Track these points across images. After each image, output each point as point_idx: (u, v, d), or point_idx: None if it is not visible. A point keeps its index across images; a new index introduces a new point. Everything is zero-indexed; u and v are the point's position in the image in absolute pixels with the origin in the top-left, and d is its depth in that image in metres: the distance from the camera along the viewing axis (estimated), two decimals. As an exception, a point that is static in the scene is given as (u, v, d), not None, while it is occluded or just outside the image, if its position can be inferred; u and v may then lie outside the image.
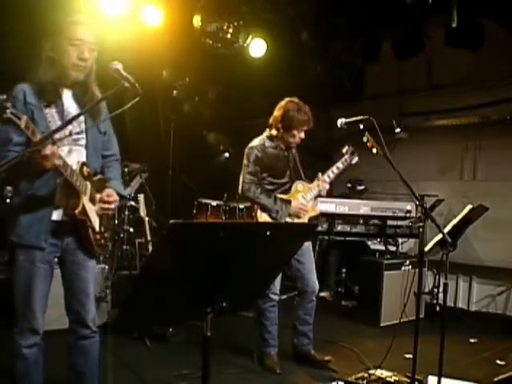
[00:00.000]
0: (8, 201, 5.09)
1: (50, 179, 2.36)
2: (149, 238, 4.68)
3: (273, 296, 3.87)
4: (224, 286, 1.74)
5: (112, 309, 4.58)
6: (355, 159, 3.90)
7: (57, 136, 2.32)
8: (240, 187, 3.82)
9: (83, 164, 2.45)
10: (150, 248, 4.64)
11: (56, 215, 2.42)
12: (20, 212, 2.40)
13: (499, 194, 5.80)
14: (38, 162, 2.17)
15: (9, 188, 5.12)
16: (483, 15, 5.17)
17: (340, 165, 3.89)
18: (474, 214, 4.07)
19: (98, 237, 2.54)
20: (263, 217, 3.74)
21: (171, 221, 1.49)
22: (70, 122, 2.30)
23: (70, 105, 2.47)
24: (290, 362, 3.99)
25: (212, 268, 1.68)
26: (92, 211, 2.49)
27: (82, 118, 2.47)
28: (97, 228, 2.53)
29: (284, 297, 5.11)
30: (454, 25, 4.89)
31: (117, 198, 2.60)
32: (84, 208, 2.43)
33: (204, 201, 5.88)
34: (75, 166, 2.40)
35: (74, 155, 2.45)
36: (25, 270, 2.40)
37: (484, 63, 5.82)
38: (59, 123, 2.36)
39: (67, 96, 2.48)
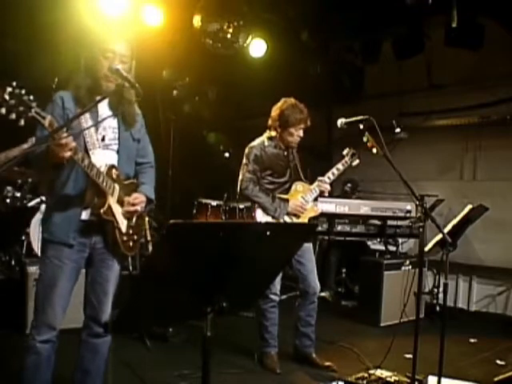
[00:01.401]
0: (8, 201, 5.11)
1: (80, 180, 2.46)
2: (149, 237, 4.68)
3: (273, 296, 3.87)
4: (224, 286, 1.75)
5: (112, 309, 4.58)
6: (356, 161, 3.91)
7: (88, 139, 2.46)
8: (239, 185, 3.84)
9: (112, 166, 2.54)
10: (150, 248, 4.64)
11: (85, 215, 2.50)
12: (52, 211, 2.52)
13: (499, 193, 5.80)
14: (53, 150, 2.24)
15: (9, 188, 5.13)
16: (483, 15, 5.17)
17: (340, 166, 3.90)
18: (473, 214, 4.07)
19: (125, 238, 2.60)
20: (261, 215, 3.74)
21: (171, 221, 1.49)
22: (98, 123, 2.47)
23: (105, 111, 2.56)
24: (290, 362, 3.99)
25: (212, 268, 1.68)
26: (119, 213, 2.56)
27: (115, 124, 2.59)
28: (123, 229, 2.58)
29: (284, 297, 5.10)
30: (454, 25, 4.89)
31: (143, 200, 2.66)
32: (110, 208, 2.50)
33: (204, 201, 5.88)
34: (103, 168, 2.48)
35: (104, 158, 2.53)
36: (52, 265, 2.48)
37: (484, 63, 5.82)
38: (93, 128, 2.48)
39: (103, 103, 2.55)
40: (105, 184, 2.46)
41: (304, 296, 3.92)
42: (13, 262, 5.00)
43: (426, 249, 3.60)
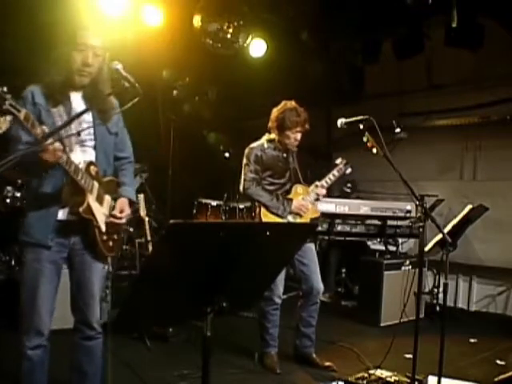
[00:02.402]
0: (8, 201, 5.10)
1: (57, 177, 2.38)
2: (149, 237, 4.68)
3: (276, 299, 3.88)
4: (224, 286, 1.74)
5: (112, 309, 4.58)
6: (349, 169, 3.99)
7: (64, 135, 2.34)
8: (241, 185, 3.84)
9: (90, 163, 2.46)
10: (150, 248, 4.64)
11: (62, 214, 2.44)
12: (28, 210, 2.45)
13: (499, 193, 5.80)
14: (40, 156, 2.20)
15: (9, 188, 5.13)
16: (483, 15, 5.16)
17: (336, 173, 3.96)
18: (473, 214, 4.07)
19: (104, 237, 2.53)
20: (266, 215, 3.75)
21: (171, 221, 1.49)
22: (73, 119, 2.34)
23: (79, 105, 2.49)
24: (290, 362, 3.99)
25: (212, 268, 1.68)
26: (98, 211, 2.49)
27: (89, 118, 2.50)
28: (103, 228, 2.52)
29: (284, 297, 5.09)
30: (454, 25, 4.88)
31: (129, 211, 2.63)
32: (89, 206, 2.42)
33: (204, 201, 5.88)
34: (82, 165, 2.41)
35: (82, 155, 2.47)
36: (32, 269, 2.42)
37: (484, 63, 5.82)
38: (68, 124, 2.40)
39: (76, 97, 2.50)
40: (83, 181, 2.38)
41: (306, 296, 3.92)
42: (13, 262, 5.01)
43: (426, 249, 3.60)
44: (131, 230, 5.75)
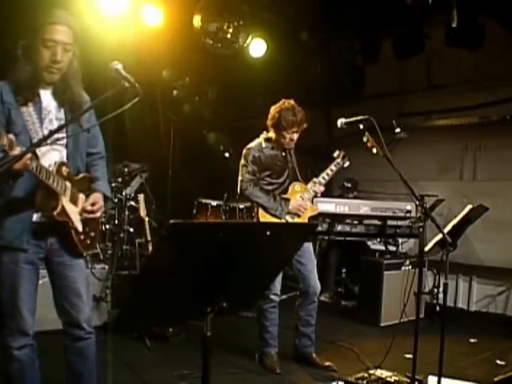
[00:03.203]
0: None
1: (28, 182, 2.30)
2: (149, 237, 4.68)
3: (273, 297, 3.88)
4: (224, 286, 1.74)
5: (112, 309, 4.58)
6: (347, 163, 3.97)
7: (33, 135, 2.29)
8: (239, 186, 3.85)
9: (61, 164, 2.39)
10: (150, 248, 4.64)
11: (36, 217, 2.38)
12: (2, 214, 2.37)
13: (499, 193, 5.80)
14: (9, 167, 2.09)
15: None
16: (483, 15, 5.16)
17: (333, 167, 3.95)
18: (473, 214, 4.07)
19: (82, 237, 2.49)
20: (265, 215, 3.75)
21: (171, 221, 1.49)
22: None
23: (49, 102, 2.42)
24: (290, 362, 3.99)
25: (212, 268, 1.68)
26: (73, 212, 2.43)
27: (61, 115, 2.43)
28: (79, 228, 2.47)
29: (284, 297, 5.10)
30: (454, 25, 4.88)
31: (102, 204, 2.55)
32: (64, 209, 2.36)
33: (204, 201, 5.88)
34: (52, 167, 2.34)
35: (53, 155, 2.40)
36: (9, 271, 2.37)
37: (484, 63, 5.82)
38: (37, 121, 2.34)
39: (46, 93, 2.43)
40: (56, 184, 2.31)
41: (304, 296, 3.92)
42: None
43: (426, 249, 3.60)
44: (131, 230, 5.75)
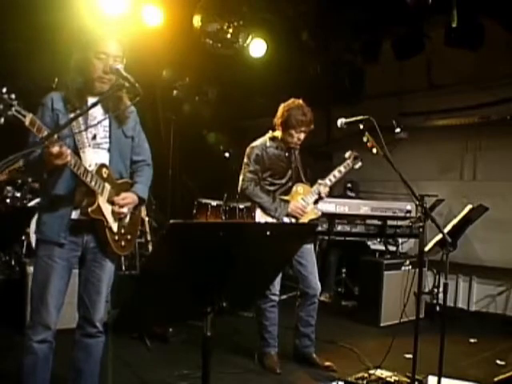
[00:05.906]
0: (8, 201, 5.10)
1: (70, 181, 2.45)
2: (149, 237, 4.68)
3: (273, 297, 3.87)
4: (224, 286, 1.75)
5: (112, 309, 4.58)
6: (358, 164, 3.84)
7: (78, 138, 2.46)
8: (239, 185, 3.83)
9: (102, 166, 2.52)
10: (150, 248, 4.64)
11: (75, 214, 2.50)
12: (43, 211, 2.55)
13: (499, 193, 5.80)
14: (48, 159, 2.27)
15: (9, 188, 5.13)
16: (483, 15, 5.16)
17: (342, 169, 3.84)
18: (473, 214, 4.06)
19: (116, 237, 2.59)
20: (261, 215, 3.74)
21: (171, 221, 1.49)
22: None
23: (96, 110, 2.53)
24: (290, 362, 3.99)
25: (212, 268, 1.68)
26: (109, 212, 2.55)
27: (106, 122, 2.57)
28: (115, 229, 2.58)
29: (284, 297, 5.10)
30: (454, 25, 4.88)
31: (130, 201, 2.64)
32: (99, 207, 2.49)
33: (204, 201, 5.88)
34: (92, 168, 2.47)
35: (95, 157, 2.52)
36: (44, 264, 2.49)
37: (484, 63, 5.82)
38: (83, 127, 2.47)
39: (93, 101, 2.53)
40: (93, 183, 2.45)
41: (304, 296, 3.92)
42: (13, 262, 5.01)
43: (426, 249, 3.59)
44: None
